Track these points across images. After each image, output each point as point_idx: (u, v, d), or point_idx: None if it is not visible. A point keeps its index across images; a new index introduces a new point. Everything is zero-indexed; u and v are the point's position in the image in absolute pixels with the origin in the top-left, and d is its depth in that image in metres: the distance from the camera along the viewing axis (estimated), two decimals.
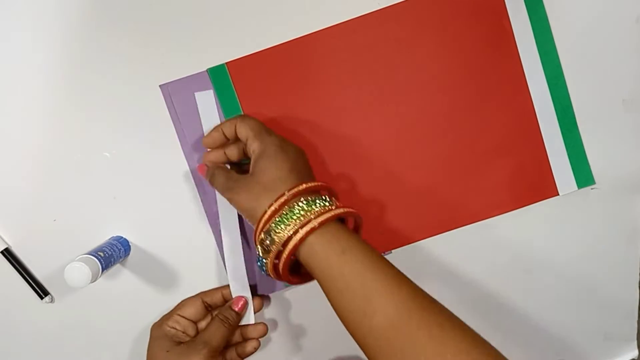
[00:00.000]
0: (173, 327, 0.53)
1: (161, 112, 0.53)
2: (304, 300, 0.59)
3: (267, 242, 0.44)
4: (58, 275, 0.55)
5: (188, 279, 0.57)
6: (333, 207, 0.44)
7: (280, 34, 0.53)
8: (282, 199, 0.44)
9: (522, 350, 0.62)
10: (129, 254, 0.55)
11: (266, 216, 0.44)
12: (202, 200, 0.55)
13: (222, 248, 0.54)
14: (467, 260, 0.59)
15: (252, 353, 0.56)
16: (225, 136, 0.50)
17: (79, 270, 0.48)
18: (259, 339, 0.55)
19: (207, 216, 0.55)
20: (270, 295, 0.58)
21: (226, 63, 0.53)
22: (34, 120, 0.53)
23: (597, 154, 0.57)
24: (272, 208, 0.44)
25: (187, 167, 0.54)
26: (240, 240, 0.54)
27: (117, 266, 0.56)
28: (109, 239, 0.54)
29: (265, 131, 0.48)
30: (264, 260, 0.45)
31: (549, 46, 0.55)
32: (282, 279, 0.45)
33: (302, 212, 0.43)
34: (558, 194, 0.57)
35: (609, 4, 0.54)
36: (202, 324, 0.55)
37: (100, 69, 0.52)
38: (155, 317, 0.56)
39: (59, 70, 0.52)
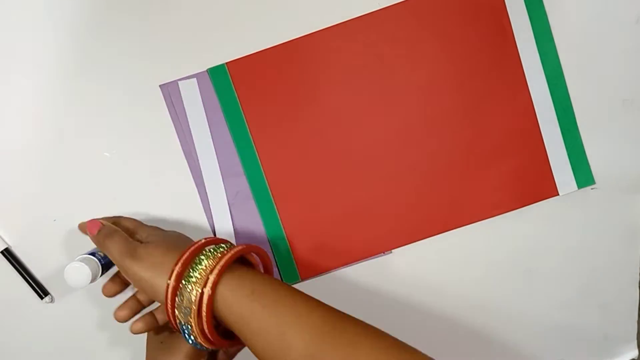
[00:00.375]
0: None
1: (161, 112, 0.53)
2: None
3: (182, 308, 0.43)
4: (58, 275, 0.55)
5: None
6: (225, 253, 0.44)
7: (280, 34, 0.53)
8: (176, 270, 0.43)
9: (522, 350, 0.63)
10: None
11: (170, 293, 0.43)
12: (202, 200, 0.55)
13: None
14: (467, 259, 0.59)
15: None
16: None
17: (79, 271, 0.48)
18: None
19: (206, 215, 0.55)
20: None
21: (226, 63, 0.53)
22: (34, 120, 0.53)
23: (597, 154, 0.57)
24: (170, 289, 0.43)
25: (187, 167, 0.54)
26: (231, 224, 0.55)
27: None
28: None
29: (120, 254, 0.47)
30: (189, 326, 0.44)
31: (549, 46, 0.55)
32: (216, 344, 0.45)
33: (200, 270, 0.43)
34: (558, 194, 0.57)
35: (609, 4, 0.54)
36: None
37: (101, 69, 0.52)
38: None
39: (59, 71, 0.52)
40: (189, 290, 0.42)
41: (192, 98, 0.53)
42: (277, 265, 0.56)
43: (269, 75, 0.53)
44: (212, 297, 0.42)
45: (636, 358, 0.64)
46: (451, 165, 0.56)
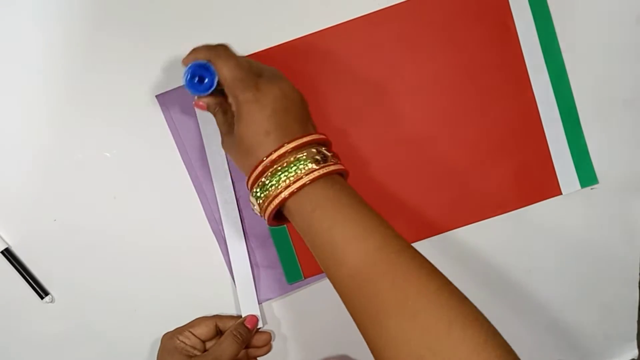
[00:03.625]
0: (183, 342, 0.53)
1: (161, 113, 0.53)
2: (296, 305, 0.59)
3: (255, 196, 0.45)
4: (58, 275, 0.55)
5: (188, 279, 0.56)
6: (310, 169, 0.43)
7: (284, 33, 0.53)
8: (259, 168, 0.43)
9: (521, 350, 0.62)
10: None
11: (252, 179, 0.44)
12: (201, 200, 0.55)
13: (229, 261, 0.56)
14: (468, 259, 0.59)
15: None
16: None
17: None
18: None
19: (206, 214, 0.55)
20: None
21: None
22: (34, 120, 0.52)
23: (597, 154, 0.57)
24: (254, 175, 0.44)
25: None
26: (247, 259, 0.55)
27: (117, 266, 0.56)
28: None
29: (239, 82, 0.44)
30: (256, 201, 0.45)
31: (553, 45, 0.55)
32: (268, 223, 0.46)
33: (281, 179, 0.43)
34: (561, 193, 0.57)
35: (609, 4, 0.54)
36: (209, 344, 0.55)
37: (101, 69, 0.52)
38: (155, 317, 0.56)
39: (59, 71, 0.52)
40: (278, 178, 0.43)
41: (207, 117, 0.53)
42: (280, 263, 0.56)
43: None
44: (275, 208, 0.43)
45: (636, 358, 0.64)
46: (454, 165, 0.56)
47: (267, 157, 0.43)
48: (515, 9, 0.54)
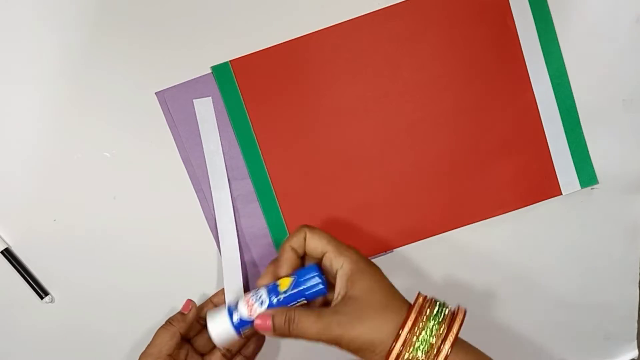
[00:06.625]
0: None
1: (161, 113, 0.53)
2: None
3: None
4: (58, 275, 0.55)
5: (188, 279, 0.56)
6: (453, 319, 0.42)
7: (285, 32, 0.52)
8: (409, 322, 0.41)
9: (522, 350, 0.63)
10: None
11: (397, 346, 0.41)
12: (200, 199, 0.55)
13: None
14: (468, 259, 0.59)
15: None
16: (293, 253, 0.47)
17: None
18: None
19: (205, 215, 0.55)
20: None
21: (230, 61, 0.53)
22: (34, 120, 0.52)
23: (597, 154, 0.57)
24: (403, 336, 0.41)
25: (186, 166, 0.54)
26: (239, 260, 0.54)
27: (117, 266, 0.56)
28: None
29: (341, 244, 0.45)
30: None
31: (553, 45, 0.55)
32: None
33: (428, 338, 0.41)
34: (561, 194, 0.57)
35: (609, 4, 0.54)
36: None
37: (101, 69, 0.52)
38: (154, 317, 0.56)
39: (59, 70, 0.51)
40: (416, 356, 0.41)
41: (207, 117, 0.53)
42: None
43: (273, 73, 0.53)
44: None
45: (636, 358, 0.64)
46: (454, 165, 0.56)
47: (409, 309, 0.42)
48: (515, 9, 0.54)
